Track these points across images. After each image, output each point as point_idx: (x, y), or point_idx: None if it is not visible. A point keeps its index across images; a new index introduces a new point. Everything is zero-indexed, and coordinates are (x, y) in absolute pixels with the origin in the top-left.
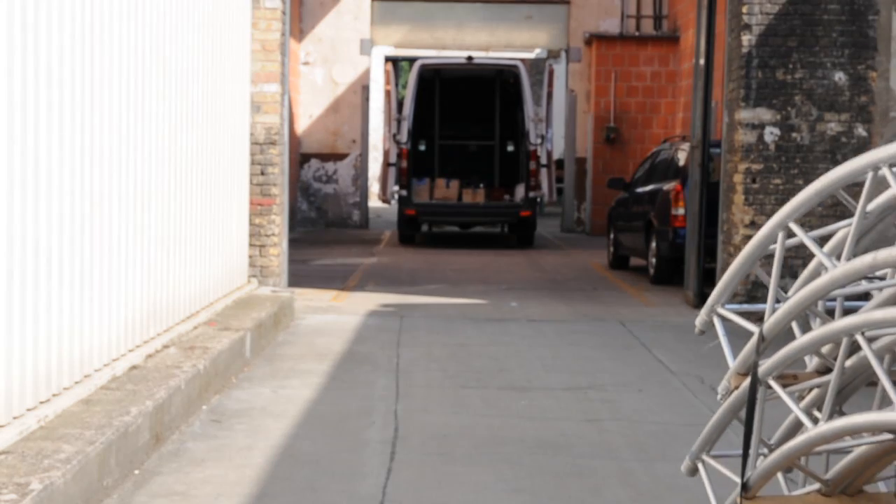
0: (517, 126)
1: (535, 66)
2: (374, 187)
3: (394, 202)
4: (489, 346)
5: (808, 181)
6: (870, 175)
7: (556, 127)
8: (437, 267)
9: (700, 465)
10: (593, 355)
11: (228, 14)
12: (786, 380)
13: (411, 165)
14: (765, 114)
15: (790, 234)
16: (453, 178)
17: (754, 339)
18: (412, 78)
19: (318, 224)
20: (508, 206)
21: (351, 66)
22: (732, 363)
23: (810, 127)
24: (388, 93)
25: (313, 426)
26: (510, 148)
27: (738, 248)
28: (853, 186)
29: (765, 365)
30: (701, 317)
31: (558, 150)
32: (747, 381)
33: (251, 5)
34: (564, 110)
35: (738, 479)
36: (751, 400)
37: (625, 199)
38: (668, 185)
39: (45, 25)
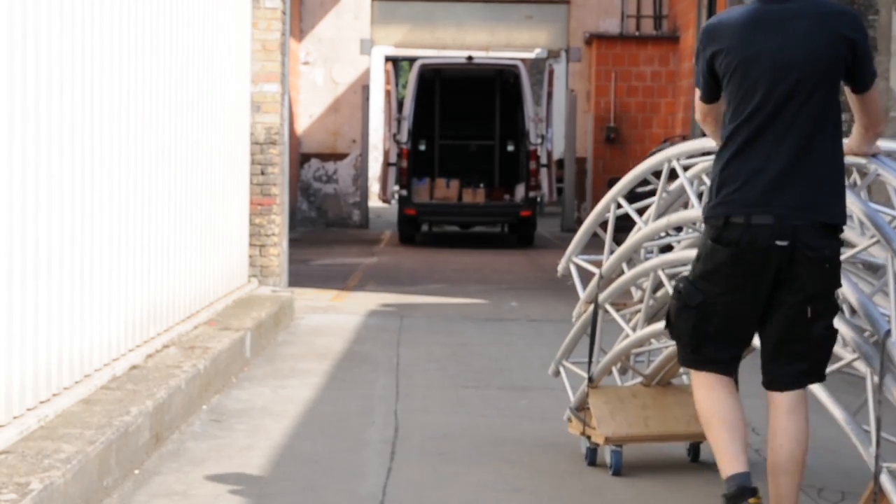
0: (517, 126)
1: (535, 66)
2: (374, 187)
3: (394, 202)
4: (489, 346)
5: None
6: (665, 166)
7: (556, 127)
8: (437, 267)
9: (561, 368)
10: None
11: (228, 14)
12: (617, 306)
13: (411, 165)
14: None
15: (619, 206)
16: (453, 177)
17: (596, 278)
18: (412, 78)
19: (318, 224)
20: (508, 205)
21: (351, 66)
22: (582, 295)
23: None
24: (388, 93)
25: (313, 426)
26: (510, 148)
27: None
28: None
29: (602, 295)
30: (562, 264)
31: (558, 150)
32: (592, 307)
33: (251, 5)
34: (564, 110)
35: (585, 375)
36: (594, 320)
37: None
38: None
39: (44, 25)
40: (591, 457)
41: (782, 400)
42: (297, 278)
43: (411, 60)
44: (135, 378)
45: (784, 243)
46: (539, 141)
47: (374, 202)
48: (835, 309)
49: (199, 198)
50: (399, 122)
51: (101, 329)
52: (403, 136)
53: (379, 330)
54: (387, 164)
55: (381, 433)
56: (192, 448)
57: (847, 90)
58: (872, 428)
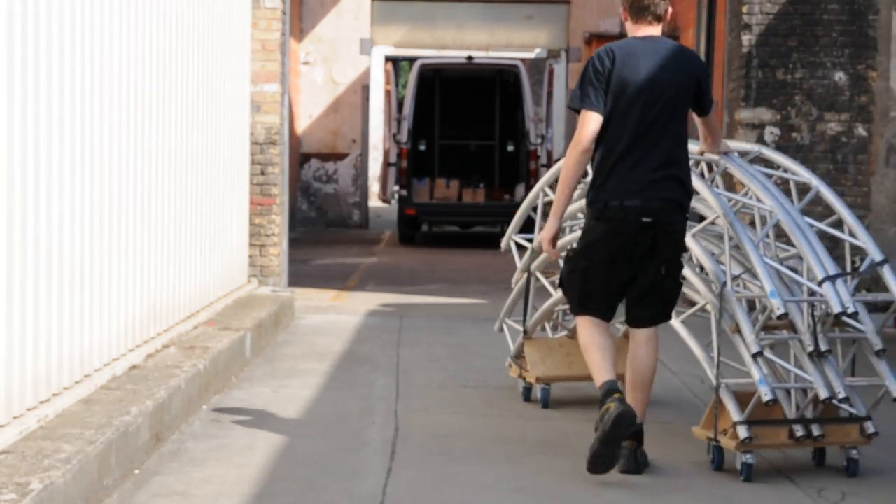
0: (517, 126)
1: (535, 66)
2: (375, 187)
3: (394, 202)
4: (489, 345)
5: None
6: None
7: (556, 127)
8: (437, 267)
9: (504, 326)
10: None
11: (228, 14)
12: (547, 274)
13: (411, 165)
14: (765, 114)
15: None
16: (453, 177)
17: (529, 252)
18: (412, 78)
19: (318, 224)
20: (508, 205)
21: (351, 66)
22: (519, 265)
23: (810, 127)
24: (388, 93)
25: (313, 426)
26: (510, 148)
27: None
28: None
29: (534, 265)
30: (504, 242)
31: (558, 150)
32: (526, 275)
33: (251, 5)
34: (564, 110)
35: (521, 329)
36: (527, 285)
37: None
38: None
39: (44, 24)
40: (527, 394)
41: (640, 335)
42: (297, 278)
43: (411, 60)
44: (135, 378)
45: (648, 220)
46: (539, 141)
47: (374, 202)
48: (680, 267)
49: (198, 198)
50: (399, 121)
51: (101, 329)
52: (403, 136)
53: (379, 330)
54: (387, 164)
55: (381, 433)
56: (192, 448)
57: (694, 115)
58: (715, 354)
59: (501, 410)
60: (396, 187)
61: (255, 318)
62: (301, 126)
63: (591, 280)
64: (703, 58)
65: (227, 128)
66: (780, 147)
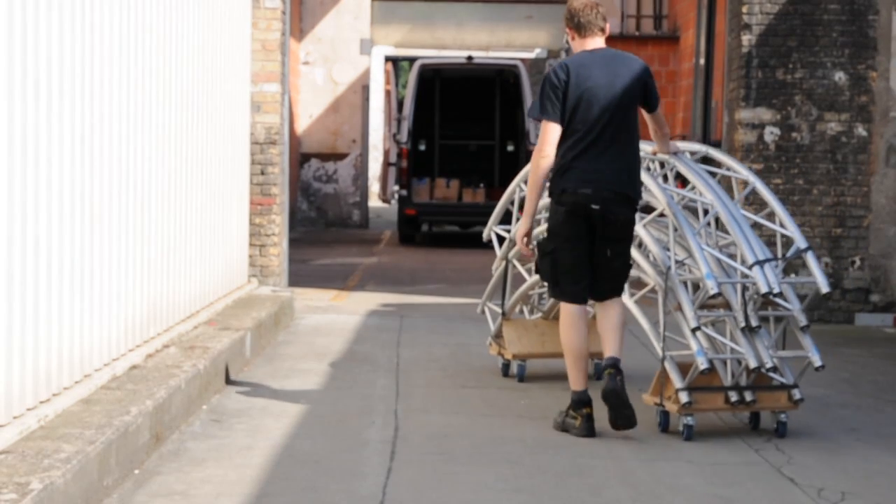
0: (517, 126)
1: (535, 66)
2: (375, 187)
3: (394, 202)
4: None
5: (808, 181)
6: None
7: None
8: (437, 267)
9: (486, 308)
10: None
11: (228, 14)
12: (522, 260)
13: (411, 165)
14: (765, 113)
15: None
16: (453, 177)
17: (507, 241)
18: (412, 78)
19: (318, 224)
20: None
21: (351, 66)
22: (499, 253)
23: (810, 127)
24: (388, 93)
25: (313, 426)
26: (510, 148)
27: None
28: None
29: (511, 253)
30: (486, 233)
31: None
32: (504, 262)
33: (251, 5)
34: None
35: (500, 311)
36: (505, 272)
37: None
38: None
39: (44, 24)
40: (505, 370)
41: (603, 305)
42: (297, 278)
43: (411, 60)
44: (135, 378)
45: (597, 207)
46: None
47: (374, 202)
48: (628, 252)
49: (198, 197)
50: (399, 121)
51: (101, 329)
52: (403, 136)
53: (379, 330)
54: (387, 164)
55: (381, 433)
56: (192, 448)
57: (643, 111)
58: (661, 329)
59: (501, 410)
60: (396, 187)
61: (255, 318)
62: (301, 126)
63: (559, 260)
64: (702, 58)
65: (227, 127)
66: (780, 147)
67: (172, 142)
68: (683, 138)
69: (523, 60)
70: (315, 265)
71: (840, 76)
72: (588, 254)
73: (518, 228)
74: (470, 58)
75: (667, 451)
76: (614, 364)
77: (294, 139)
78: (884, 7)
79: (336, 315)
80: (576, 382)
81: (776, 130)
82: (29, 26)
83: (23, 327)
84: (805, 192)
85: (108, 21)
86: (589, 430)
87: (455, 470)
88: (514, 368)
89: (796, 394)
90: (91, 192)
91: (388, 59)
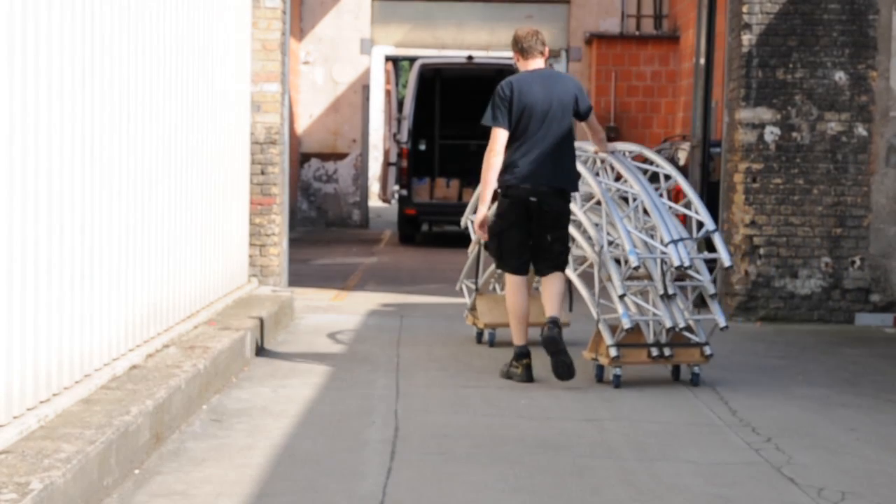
0: None
1: None
2: (375, 187)
3: (394, 202)
4: (489, 345)
5: (808, 181)
6: None
7: None
8: (438, 266)
9: (463, 287)
10: None
11: (229, 13)
12: None
13: (411, 165)
14: (765, 113)
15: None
16: (453, 177)
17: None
18: (412, 77)
19: (318, 224)
20: None
21: (351, 66)
22: (474, 239)
23: (810, 126)
24: (388, 92)
25: (313, 426)
26: None
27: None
28: None
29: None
30: (463, 221)
31: None
32: (478, 245)
33: (251, 5)
34: None
35: (475, 287)
36: (478, 254)
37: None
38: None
39: (45, 24)
40: (478, 337)
41: (546, 278)
42: (297, 278)
43: (411, 60)
44: (135, 378)
45: (534, 199)
46: None
47: (374, 202)
48: (565, 237)
49: (199, 197)
50: (399, 121)
51: (101, 329)
52: (403, 136)
53: (379, 330)
54: (387, 164)
55: (381, 433)
56: (192, 448)
57: (576, 119)
58: (596, 296)
59: (501, 410)
60: (396, 187)
61: (255, 318)
62: (301, 126)
63: (505, 240)
64: (702, 58)
65: (227, 127)
66: (780, 146)
67: (173, 141)
68: (683, 138)
69: None
70: (315, 265)
71: (840, 76)
72: (528, 235)
73: (475, 218)
74: (470, 57)
75: (667, 451)
76: (553, 320)
77: (294, 139)
78: (884, 7)
79: (336, 315)
80: (518, 338)
81: (776, 130)
82: (29, 31)
83: (23, 327)
84: (805, 191)
85: (108, 19)
86: (528, 377)
87: (455, 470)
88: (486, 336)
89: (707, 350)
90: (91, 192)
91: (388, 58)
